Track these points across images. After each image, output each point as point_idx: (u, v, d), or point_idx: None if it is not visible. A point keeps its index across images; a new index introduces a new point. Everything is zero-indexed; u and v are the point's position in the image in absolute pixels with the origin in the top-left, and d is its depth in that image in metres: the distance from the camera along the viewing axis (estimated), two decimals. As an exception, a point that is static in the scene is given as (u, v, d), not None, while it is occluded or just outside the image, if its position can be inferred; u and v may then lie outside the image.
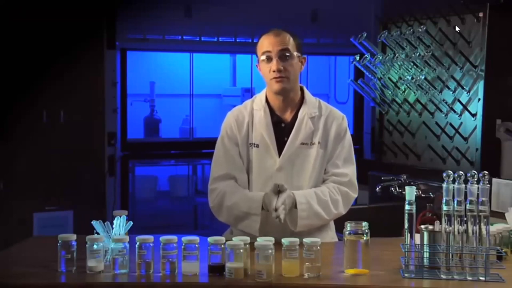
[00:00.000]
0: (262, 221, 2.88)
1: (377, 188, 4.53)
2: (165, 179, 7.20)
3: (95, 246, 2.43)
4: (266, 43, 2.93)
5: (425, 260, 2.45)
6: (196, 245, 2.41)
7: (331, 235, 3.08)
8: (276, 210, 2.78)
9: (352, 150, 3.05)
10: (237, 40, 6.43)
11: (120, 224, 2.59)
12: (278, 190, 2.81)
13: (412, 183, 4.39)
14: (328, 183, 2.97)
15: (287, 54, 2.91)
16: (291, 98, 2.99)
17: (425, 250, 2.48)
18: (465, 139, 4.33)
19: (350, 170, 3.01)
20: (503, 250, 2.60)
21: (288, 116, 3.01)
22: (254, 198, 2.89)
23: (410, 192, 2.43)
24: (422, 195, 4.30)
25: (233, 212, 2.92)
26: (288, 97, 2.98)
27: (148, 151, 6.62)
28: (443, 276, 2.38)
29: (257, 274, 2.35)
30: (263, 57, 2.92)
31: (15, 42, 5.33)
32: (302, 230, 2.86)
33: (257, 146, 2.98)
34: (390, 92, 4.82)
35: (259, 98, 3.04)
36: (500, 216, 3.15)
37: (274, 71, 2.90)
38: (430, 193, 4.25)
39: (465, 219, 2.38)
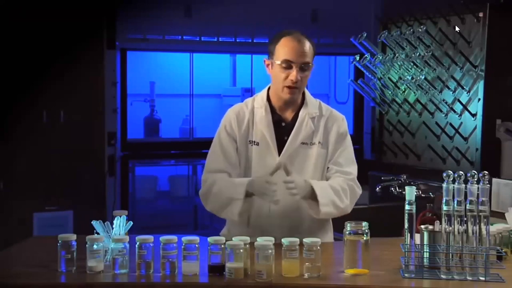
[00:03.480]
0: (255, 214, 2.91)
1: (377, 188, 4.54)
2: (165, 179, 7.19)
3: (95, 246, 2.43)
4: (289, 51, 2.89)
5: (425, 260, 2.45)
6: (196, 245, 2.41)
7: (329, 235, 3.09)
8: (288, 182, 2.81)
9: (352, 151, 3.08)
10: (237, 40, 6.43)
11: (120, 224, 2.59)
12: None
13: (412, 183, 4.39)
14: (335, 178, 2.98)
15: (307, 66, 2.92)
16: (294, 100, 3.00)
17: (425, 250, 2.48)
18: (465, 139, 4.33)
19: (353, 170, 3.03)
20: (503, 250, 2.60)
21: (289, 115, 3.02)
22: (239, 183, 2.90)
23: (410, 192, 2.43)
24: (422, 195, 4.30)
25: (218, 199, 2.93)
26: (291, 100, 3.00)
27: (148, 151, 6.62)
28: (443, 276, 2.38)
29: (257, 274, 2.35)
30: (282, 63, 2.90)
31: (15, 42, 5.33)
32: (323, 218, 2.91)
33: (257, 144, 2.98)
34: (390, 92, 4.82)
35: (260, 97, 3.05)
36: (500, 216, 3.15)
37: (292, 80, 2.89)
38: (430, 193, 4.25)
39: (465, 219, 2.39)
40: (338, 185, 2.94)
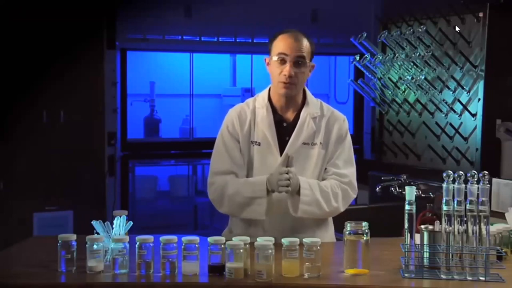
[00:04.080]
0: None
1: (377, 188, 4.53)
2: (165, 179, 7.19)
3: (95, 246, 2.43)
4: (284, 44, 2.91)
5: (425, 260, 2.45)
6: (196, 245, 2.41)
7: (330, 234, 3.09)
8: (287, 173, 2.81)
9: (352, 152, 3.07)
10: (237, 40, 6.42)
11: (120, 224, 2.59)
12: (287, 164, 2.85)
13: (412, 183, 4.39)
14: (330, 180, 2.98)
15: (301, 61, 2.92)
16: (295, 99, 3.01)
17: (425, 250, 2.48)
18: (465, 139, 4.33)
19: (350, 172, 3.02)
20: (503, 250, 2.60)
21: (290, 115, 3.02)
22: (258, 181, 2.90)
23: (410, 192, 2.43)
24: (422, 195, 4.30)
25: (236, 199, 2.91)
26: (291, 98, 2.99)
27: (148, 151, 6.62)
28: (443, 276, 2.38)
29: (257, 274, 2.35)
30: (277, 58, 2.91)
31: (15, 42, 5.33)
32: (302, 216, 2.89)
33: (259, 144, 2.98)
34: (390, 92, 4.82)
35: (262, 97, 3.05)
36: (500, 216, 3.15)
37: (285, 75, 2.90)
38: (430, 193, 4.25)
39: (465, 219, 2.39)
40: (329, 187, 2.94)
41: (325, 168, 3.02)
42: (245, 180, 2.95)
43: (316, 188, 2.91)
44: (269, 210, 2.90)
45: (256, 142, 2.99)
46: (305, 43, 2.93)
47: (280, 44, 2.92)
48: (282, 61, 2.90)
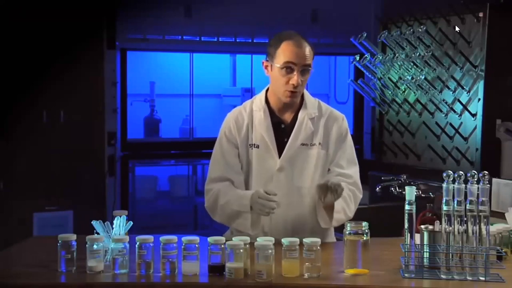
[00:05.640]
0: (258, 216, 2.87)
1: (377, 188, 4.54)
2: (165, 179, 7.20)
3: (95, 246, 2.43)
4: (290, 54, 2.88)
5: (425, 260, 2.45)
6: (196, 245, 2.41)
7: (331, 237, 3.09)
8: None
9: (353, 151, 3.06)
10: (237, 40, 6.43)
11: (120, 224, 2.59)
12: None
13: (412, 183, 4.39)
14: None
15: (307, 69, 2.91)
16: (294, 102, 3.00)
17: (425, 250, 2.48)
18: (465, 139, 4.33)
19: (354, 171, 3.02)
20: (503, 250, 2.60)
21: (288, 117, 3.01)
22: (244, 196, 2.90)
23: (410, 192, 2.43)
24: (422, 195, 4.30)
25: (226, 211, 2.92)
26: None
27: (148, 151, 6.62)
28: (443, 276, 2.38)
29: (257, 274, 2.35)
30: (283, 66, 2.88)
31: (15, 42, 5.33)
32: (334, 226, 2.91)
33: (257, 146, 2.98)
34: (390, 92, 4.82)
35: (259, 99, 3.04)
36: (500, 216, 3.15)
37: (293, 84, 2.88)
38: (430, 193, 4.25)
39: (465, 219, 2.39)
40: (345, 192, 2.92)
41: (328, 169, 3.01)
42: (237, 192, 2.94)
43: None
44: (255, 223, 2.89)
45: (254, 145, 2.99)
46: (308, 49, 2.91)
47: (286, 53, 2.88)
48: (289, 70, 2.88)
